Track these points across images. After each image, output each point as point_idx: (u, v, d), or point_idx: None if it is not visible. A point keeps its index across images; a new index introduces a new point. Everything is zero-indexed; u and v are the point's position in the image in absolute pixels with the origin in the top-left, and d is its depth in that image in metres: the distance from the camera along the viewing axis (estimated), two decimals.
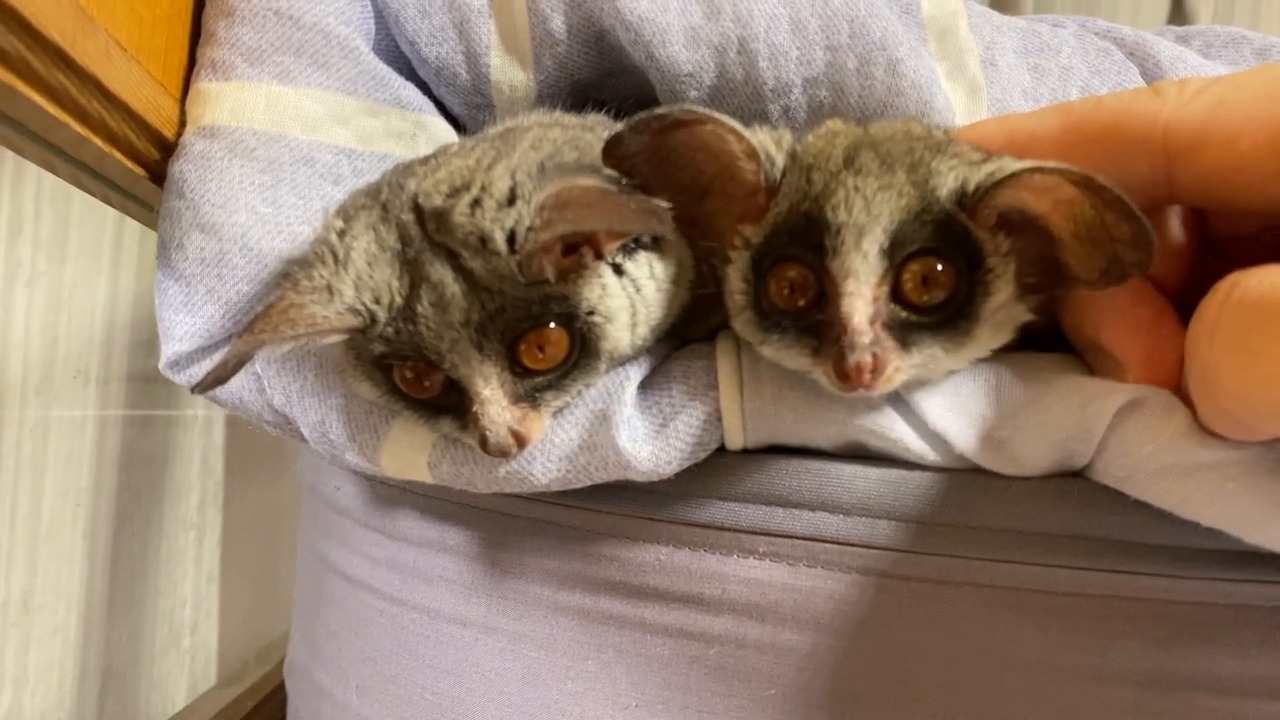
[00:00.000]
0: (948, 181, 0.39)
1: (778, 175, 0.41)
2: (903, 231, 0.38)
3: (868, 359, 0.37)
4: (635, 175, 0.41)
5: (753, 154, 0.40)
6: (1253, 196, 0.35)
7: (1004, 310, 0.41)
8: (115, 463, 1.13)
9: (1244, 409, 0.33)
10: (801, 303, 0.40)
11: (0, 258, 1.08)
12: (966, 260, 0.39)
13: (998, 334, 0.41)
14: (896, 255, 0.39)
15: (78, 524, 1.09)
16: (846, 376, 0.37)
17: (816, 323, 0.40)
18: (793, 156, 0.42)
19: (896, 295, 0.39)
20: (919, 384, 0.42)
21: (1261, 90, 0.33)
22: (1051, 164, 0.37)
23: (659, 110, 0.39)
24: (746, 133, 0.40)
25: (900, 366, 0.39)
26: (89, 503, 1.11)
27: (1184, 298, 0.41)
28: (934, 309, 0.39)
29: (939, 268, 0.39)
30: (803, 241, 0.39)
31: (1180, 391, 0.38)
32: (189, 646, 1.22)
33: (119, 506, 1.13)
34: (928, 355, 0.40)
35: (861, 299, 0.38)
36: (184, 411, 1.23)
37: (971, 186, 0.39)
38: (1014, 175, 0.37)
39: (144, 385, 1.15)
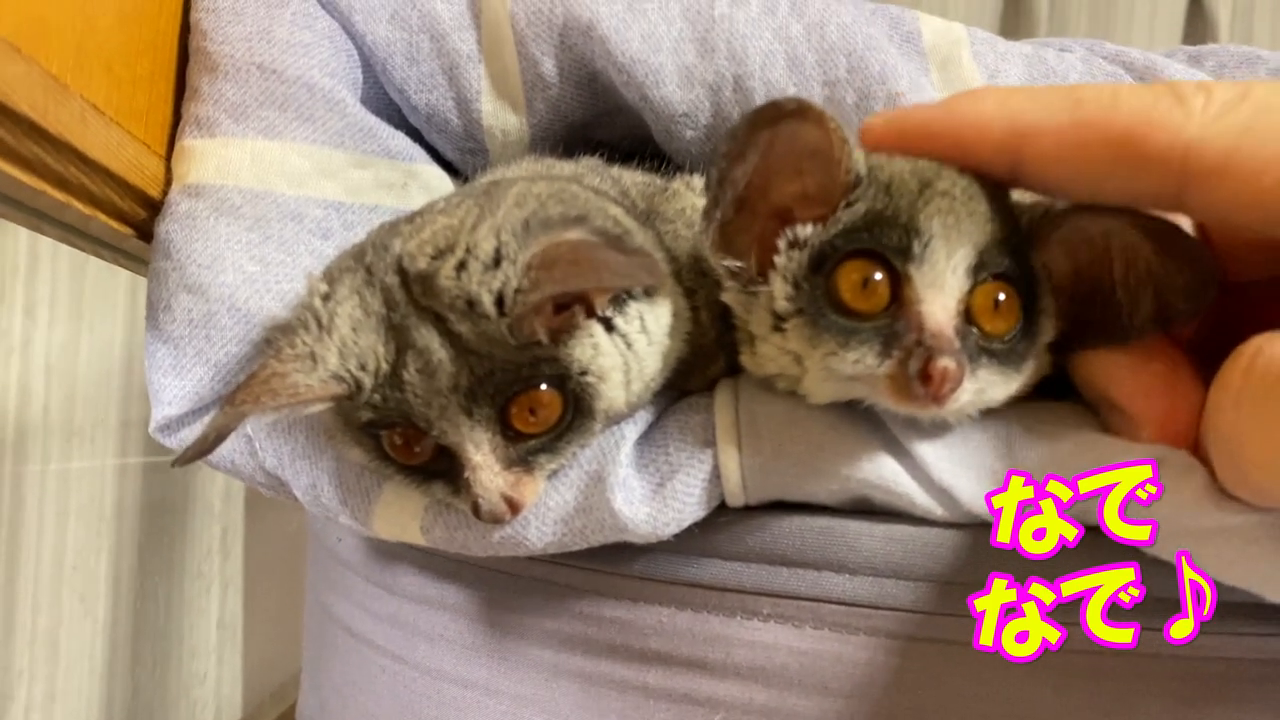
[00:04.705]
0: (1024, 211, 0.40)
1: (863, 171, 0.39)
2: (987, 254, 0.38)
3: (954, 366, 0.35)
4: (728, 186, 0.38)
5: (845, 144, 0.38)
6: (1266, 230, 0.33)
7: (1043, 353, 0.40)
8: (138, 492, 1.13)
9: (1272, 479, 0.31)
10: (870, 304, 0.38)
11: (19, 297, 1.09)
12: (1028, 294, 0.39)
13: (1031, 378, 0.40)
14: (977, 276, 0.38)
15: (101, 554, 1.09)
16: (929, 379, 0.35)
17: (883, 329, 0.38)
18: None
19: (966, 317, 0.38)
20: (924, 435, 0.40)
21: None
22: (1122, 208, 0.37)
23: (771, 101, 0.36)
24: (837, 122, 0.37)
25: (966, 387, 0.37)
26: (111, 533, 1.12)
27: (1198, 342, 0.40)
28: (995, 337, 0.39)
29: (1012, 296, 0.39)
30: (884, 242, 0.38)
31: (1198, 448, 0.37)
32: (213, 680, 1.22)
33: (142, 536, 1.13)
34: (985, 382, 0.38)
35: (946, 309, 0.37)
36: None
37: (1041, 215, 0.39)
38: (1086, 211, 0.38)
39: None
